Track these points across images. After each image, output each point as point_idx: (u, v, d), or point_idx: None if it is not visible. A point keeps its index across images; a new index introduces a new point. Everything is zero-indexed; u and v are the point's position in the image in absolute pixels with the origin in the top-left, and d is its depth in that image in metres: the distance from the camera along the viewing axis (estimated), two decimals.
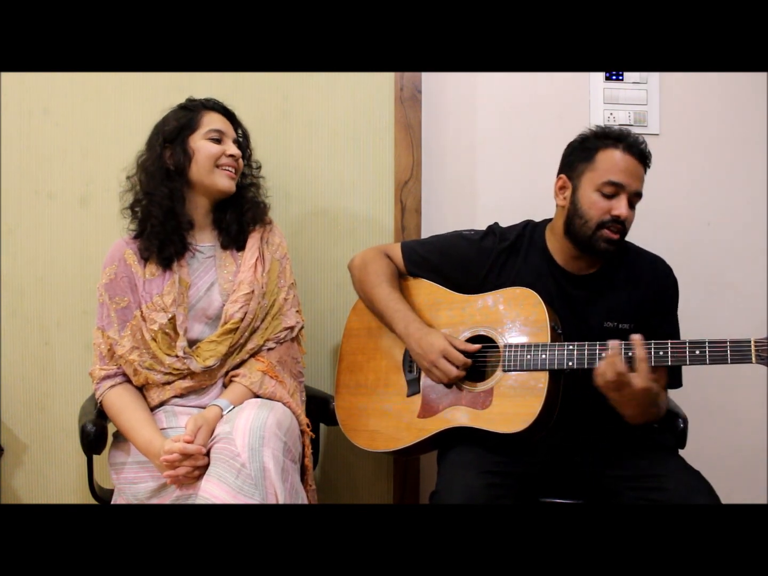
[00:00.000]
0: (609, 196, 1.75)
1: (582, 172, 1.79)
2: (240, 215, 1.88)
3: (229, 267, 1.86)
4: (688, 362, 1.59)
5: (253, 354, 1.85)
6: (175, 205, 1.81)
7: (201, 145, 1.82)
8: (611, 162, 1.75)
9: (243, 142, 1.92)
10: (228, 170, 1.83)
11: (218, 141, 1.83)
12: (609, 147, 1.76)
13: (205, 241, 1.88)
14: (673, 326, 1.83)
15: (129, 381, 1.82)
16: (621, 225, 1.75)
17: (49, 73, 2.15)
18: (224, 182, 1.83)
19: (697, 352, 1.58)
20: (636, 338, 1.59)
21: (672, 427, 1.83)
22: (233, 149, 1.84)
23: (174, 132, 1.81)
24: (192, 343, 1.81)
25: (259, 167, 1.97)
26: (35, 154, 2.18)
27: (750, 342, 1.53)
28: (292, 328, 1.90)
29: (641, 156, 1.77)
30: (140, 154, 1.87)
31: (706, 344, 1.57)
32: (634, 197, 1.77)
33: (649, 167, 1.80)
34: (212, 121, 1.84)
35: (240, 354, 1.83)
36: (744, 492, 2.32)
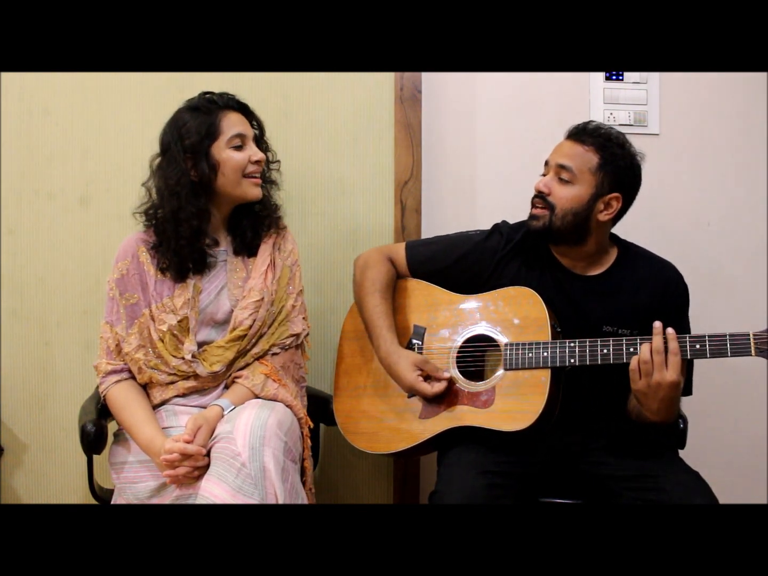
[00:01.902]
0: (542, 176, 1.85)
1: None
2: (256, 225, 1.86)
3: (239, 272, 1.85)
4: (689, 355, 1.60)
5: (258, 357, 1.84)
6: (202, 225, 1.78)
7: (226, 157, 1.76)
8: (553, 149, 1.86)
9: (258, 133, 1.88)
10: (255, 178, 1.80)
11: (241, 146, 1.78)
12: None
13: (218, 245, 1.87)
14: (685, 331, 1.79)
15: (134, 378, 1.82)
16: (541, 199, 1.81)
17: (49, 73, 2.15)
18: (253, 191, 1.81)
19: (698, 346, 1.59)
20: (670, 331, 1.59)
21: (672, 427, 1.83)
22: (257, 154, 1.80)
23: (196, 144, 1.75)
24: (198, 345, 1.80)
25: (276, 161, 1.93)
26: (35, 154, 2.18)
27: (749, 335, 1.55)
28: (297, 335, 1.89)
29: (576, 135, 1.81)
30: (153, 157, 1.82)
31: (706, 338, 1.59)
32: (560, 170, 1.79)
33: (591, 140, 1.78)
34: (232, 123, 1.78)
35: (245, 358, 1.82)
36: (744, 492, 2.33)
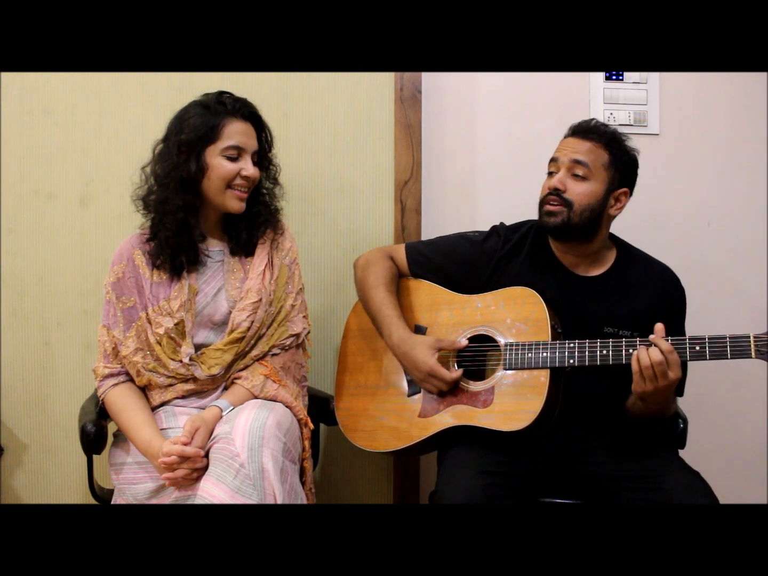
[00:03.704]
0: (550, 174, 1.83)
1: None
2: (252, 226, 1.84)
3: (237, 273, 1.84)
4: (688, 357, 1.60)
5: (258, 359, 1.83)
6: (189, 218, 1.77)
7: (216, 163, 1.75)
8: (557, 147, 1.85)
9: (265, 147, 1.85)
10: (240, 191, 1.77)
11: (236, 158, 1.76)
12: (564, 138, 1.86)
13: (214, 246, 1.86)
14: (681, 334, 1.78)
15: (132, 380, 1.82)
16: (556, 196, 1.79)
17: (49, 73, 2.15)
18: (233, 204, 1.78)
19: (697, 347, 1.59)
20: (660, 327, 1.61)
21: (672, 427, 1.83)
22: (249, 169, 1.77)
23: (191, 142, 1.74)
24: (196, 348, 1.79)
25: (276, 177, 1.90)
26: (35, 154, 2.18)
27: (749, 337, 1.55)
28: (298, 335, 1.88)
29: (582, 132, 1.81)
30: (156, 143, 1.81)
31: (706, 340, 1.59)
32: (574, 165, 1.78)
33: (597, 137, 1.80)
34: (233, 133, 1.75)
35: (244, 360, 1.82)
36: (744, 492, 2.32)
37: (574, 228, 1.79)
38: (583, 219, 1.78)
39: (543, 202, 1.83)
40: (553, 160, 1.83)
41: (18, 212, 2.18)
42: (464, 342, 1.80)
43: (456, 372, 1.78)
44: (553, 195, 1.80)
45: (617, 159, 1.80)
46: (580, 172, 1.78)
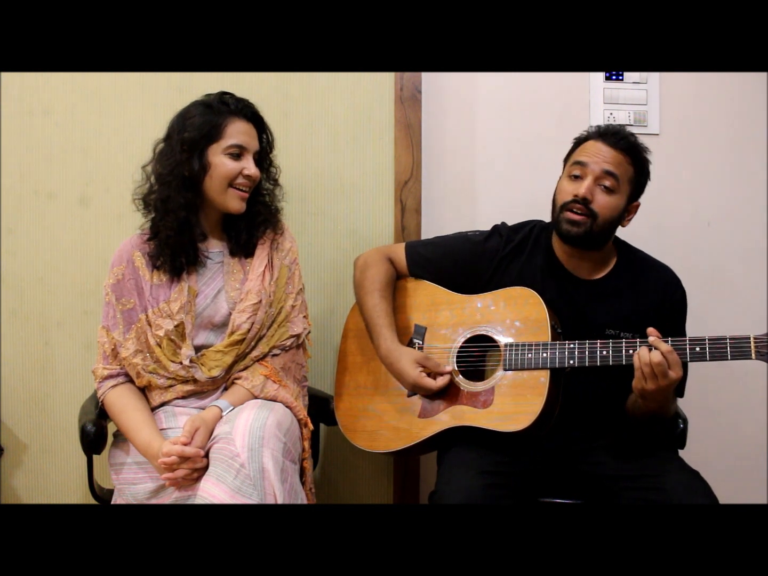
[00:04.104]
0: (575, 177, 1.77)
1: (564, 164, 1.85)
2: (251, 226, 1.84)
3: (237, 274, 1.84)
4: (688, 359, 1.60)
5: (258, 360, 1.83)
6: (190, 217, 1.77)
7: (219, 162, 1.75)
8: (582, 148, 1.80)
9: (266, 148, 1.86)
10: (242, 191, 1.78)
11: (238, 156, 1.76)
12: (589, 139, 1.80)
13: (214, 247, 1.85)
14: (682, 335, 1.78)
15: (131, 381, 1.82)
16: (583, 206, 1.74)
17: (49, 73, 2.15)
18: (235, 204, 1.78)
19: (698, 348, 1.59)
20: (651, 331, 1.61)
21: (672, 427, 1.83)
22: (251, 168, 1.77)
23: (194, 140, 1.74)
24: (196, 349, 1.79)
25: (276, 178, 1.91)
26: (35, 154, 2.18)
27: (749, 338, 1.55)
28: (298, 336, 1.87)
29: (614, 140, 1.76)
30: (157, 142, 1.81)
31: (706, 341, 1.59)
32: (605, 177, 1.74)
33: (626, 149, 1.76)
34: (235, 132, 1.76)
35: (244, 361, 1.82)
36: (744, 492, 2.32)
37: (593, 238, 1.77)
38: (603, 231, 1.77)
39: (564, 208, 1.77)
40: (580, 164, 1.77)
41: (18, 212, 2.18)
42: (449, 368, 1.80)
43: (441, 379, 1.78)
44: (580, 204, 1.75)
45: (640, 174, 1.79)
46: (608, 183, 1.74)
